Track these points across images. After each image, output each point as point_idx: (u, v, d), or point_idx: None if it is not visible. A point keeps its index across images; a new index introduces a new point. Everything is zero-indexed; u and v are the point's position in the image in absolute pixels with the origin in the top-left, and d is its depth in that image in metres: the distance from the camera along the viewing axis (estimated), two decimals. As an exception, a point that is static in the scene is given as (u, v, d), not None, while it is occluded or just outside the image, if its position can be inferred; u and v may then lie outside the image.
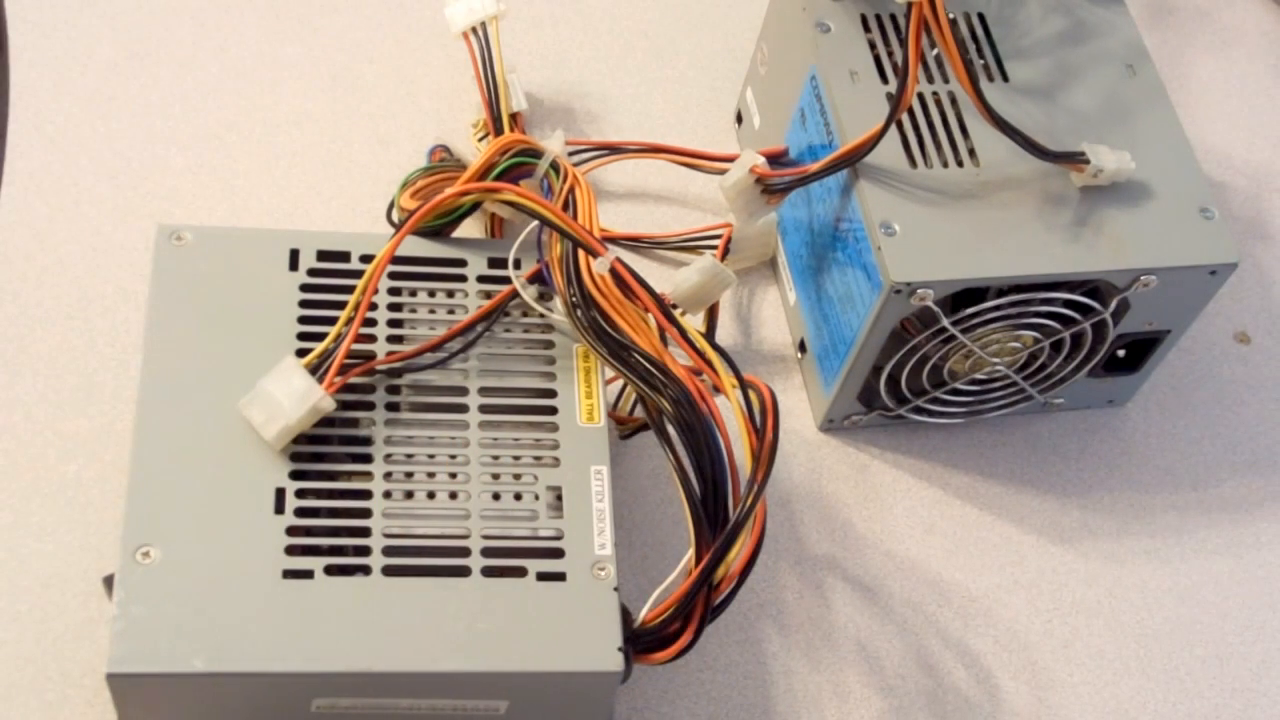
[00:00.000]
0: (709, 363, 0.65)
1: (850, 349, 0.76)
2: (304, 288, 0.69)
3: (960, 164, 0.75)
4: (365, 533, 0.63)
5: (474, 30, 0.84)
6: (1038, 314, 0.75)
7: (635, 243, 0.86)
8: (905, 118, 0.76)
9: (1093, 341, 0.77)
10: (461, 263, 0.71)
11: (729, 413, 0.64)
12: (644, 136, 0.90)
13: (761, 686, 0.73)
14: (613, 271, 0.66)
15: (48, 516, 0.72)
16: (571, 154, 0.86)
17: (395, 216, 0.80)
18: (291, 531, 0.62)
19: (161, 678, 0.59)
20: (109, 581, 0.62)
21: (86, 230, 0.81)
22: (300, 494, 0.63)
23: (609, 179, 0.88)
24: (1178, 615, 0.79)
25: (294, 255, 0.70)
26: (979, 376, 0.78)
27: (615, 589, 0.63)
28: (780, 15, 0.83)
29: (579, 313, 0.67)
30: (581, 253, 0.67)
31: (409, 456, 0.65)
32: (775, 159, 0.80)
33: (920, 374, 0.77)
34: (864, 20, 0.79)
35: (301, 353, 0.65)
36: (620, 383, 0.74)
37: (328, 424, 0.65)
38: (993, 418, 0.82)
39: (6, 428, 0.74)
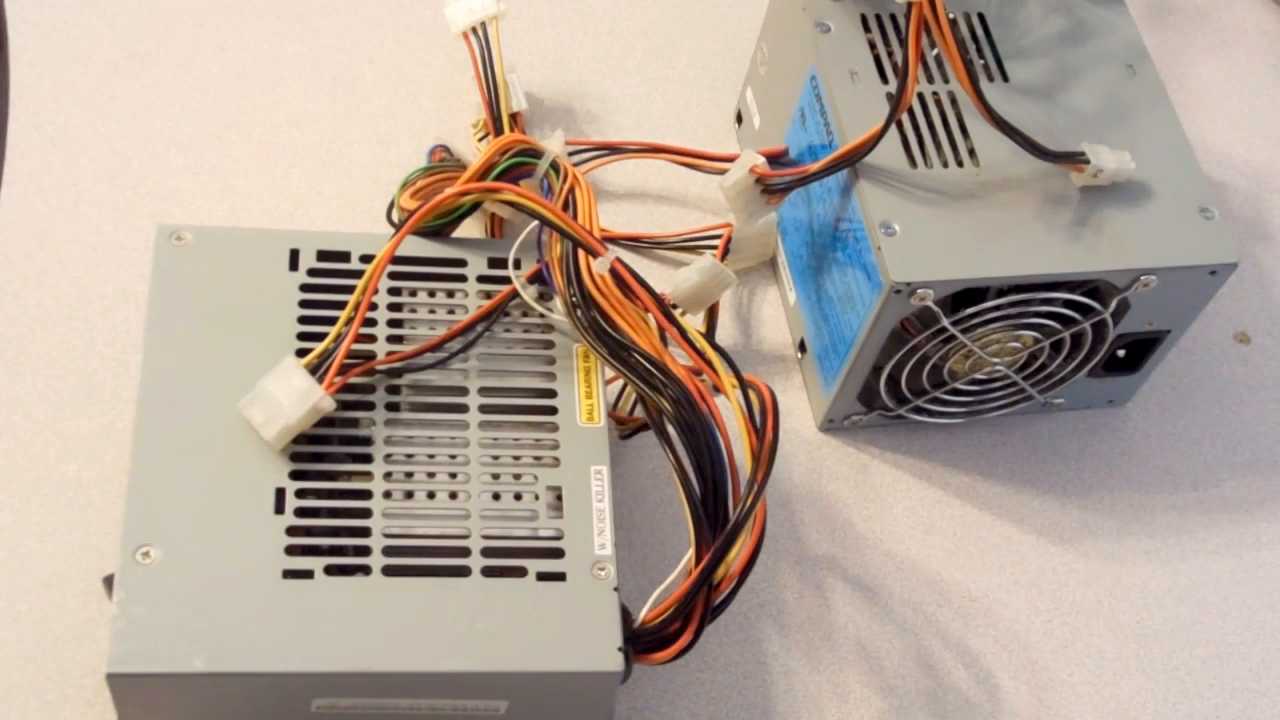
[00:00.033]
0: (709, 363, 0.65)
1: (850, 349, 0.76)
2: (304, 288, 0.69)
3: (960, 164, 0.75)
4: (365, 533, 0.63)
5: (474, 30, 0.84)
6: (1038, 314, 0.75)
7: (635, 243, 0.86)
8: (905, 118, 0.76)
9: (1093, 341, 0.77)
10: (461, 263, 0.71)
11: (729, 413, 0.64)
12: (644, 136, 0.90)
13: (761, 686, 0.73)
14: (613, 271, 0.66)
15: (48, 516, 0.72)
16: (571, 154, 0.86)
17: (395, 216, 0.80)
18: (291, 531, 0.62)
19: (161, 678, 0.59)
20: (109, 581, 0.62)
21: (86, 230, 0.81)
22: (300, 494, 0.63)
23: (609, 179, 0.88)
24: (1178, 615, 0.79)
25: (294, 255, 0.70)
26: (979, 376, 0.78)
27: (615, 589, 0.63)
28: (780, 15, 0.83)
29: (579, 313, 0.67)
30: (581, 253, 0.67)
31: (409, 456, 0.65)
32: (775, 159, 0.80)
33: (920, 374, 0.77)
34: (864, 20, 0.79)
35: (301, 353, 0.65)
36: (620, 383, 0.74)
37: (328, 424, 0.65)
38: (993, 418, 0.82)
39: (6, 428, 0.74)
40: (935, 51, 0.78)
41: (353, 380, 0.66)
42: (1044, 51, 0.80)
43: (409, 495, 0.65)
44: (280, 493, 0.63)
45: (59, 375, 0.76)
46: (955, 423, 0.82)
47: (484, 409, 0.67)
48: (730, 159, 0.79)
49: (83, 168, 0.83)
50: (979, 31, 0.81)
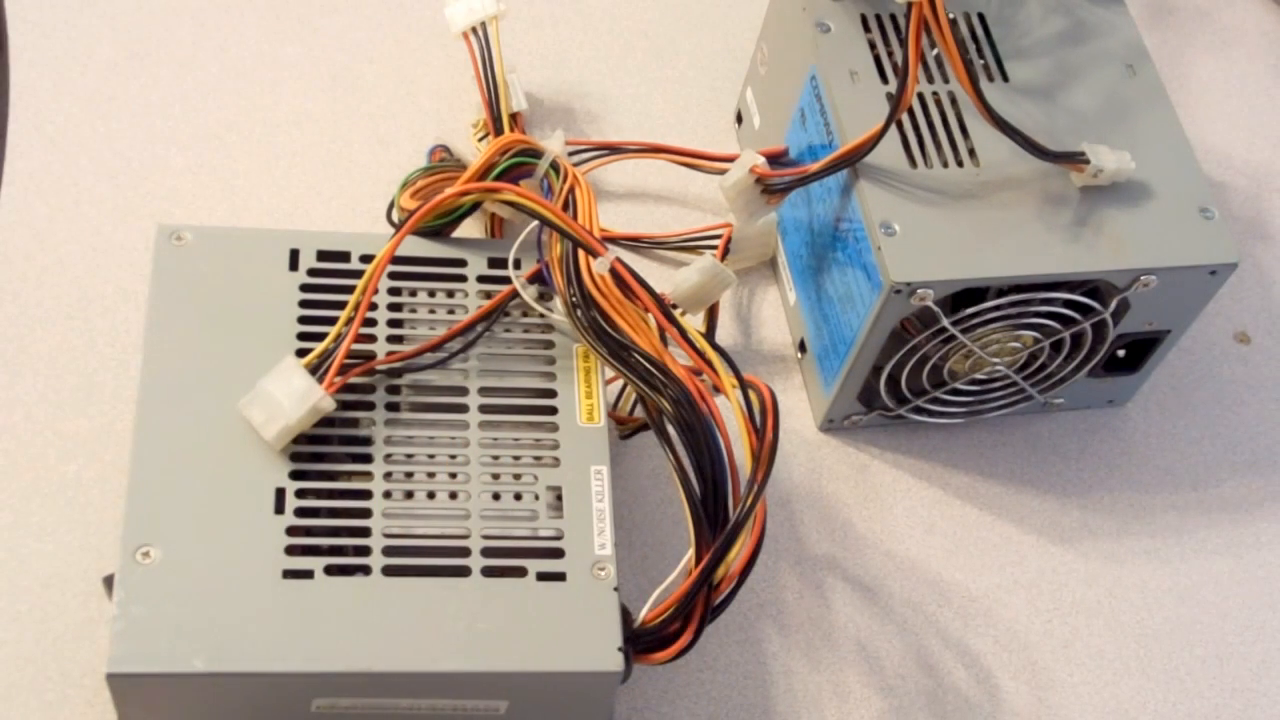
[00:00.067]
0: (709, 363, 0.65)
1: (850, 349, 0.76)
2: (304, 288, 0.69)
3: (960, 164, 0.75)
4: (365, 533, 0.63)
5: (474, 30, 0.84)
6: (1038, 314, 0.75)
7: (635, 243, 0.86)
8: (905, 118, 0.76)
9: (1093, 341, 0.77)
10: (461, 263, 0.71)
11: (729, 413, 0.64)
12: (644, 136, 0.90)
13: (761, 686, 0.73)
14: (613, 271, 0.66)
15: (48, 516, 0.72)
16: (571, 154, 0.86)
17: (395, 216, 0.80)
18: (291, 531, 0.62)
19: (161, 678, 0.59)
20: (109, 581, 0.62)
21: (86, 230, 0.81)
22: (300, 494, 0.63)
23: (609, 179, 0.88)
24: (1178, 615, 0.79)
25: (294, 255, 0.70)
26: (979, 376, 0.78)
27: (615, 589, 0.63)
28: (780, 15, 0.83)
29: (579, 313, 0.67)
30: (581, 253, 0.67)
31: (409, 456, 0.65)
32: (775, 159, 0.80)
33: (920, 374, 0.77)
34: (864, 20, 0.79)
35: (301, 353, 0.65)
36: (620, 383, 0.74)
37: (328, 424, 0.65)
38: (993, 418, 0.82)
39: (6, 428, 0.74)
40: (935, 51, 0.78)
41: (353, 380, 0.66)
42: (1044, 51, 0.80)
43: (409, 495, 0.65)
44: (280, 493, 0.63)
45: (59, 375, 0.76)
46: (955, 423, 0.82)
47: (484, 409, 0.67)
48: (730, 159, 0.79)
49: (83, 168, 0.83)
50: (979, 31, 0.81)
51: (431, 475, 0.65)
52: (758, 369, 0.83)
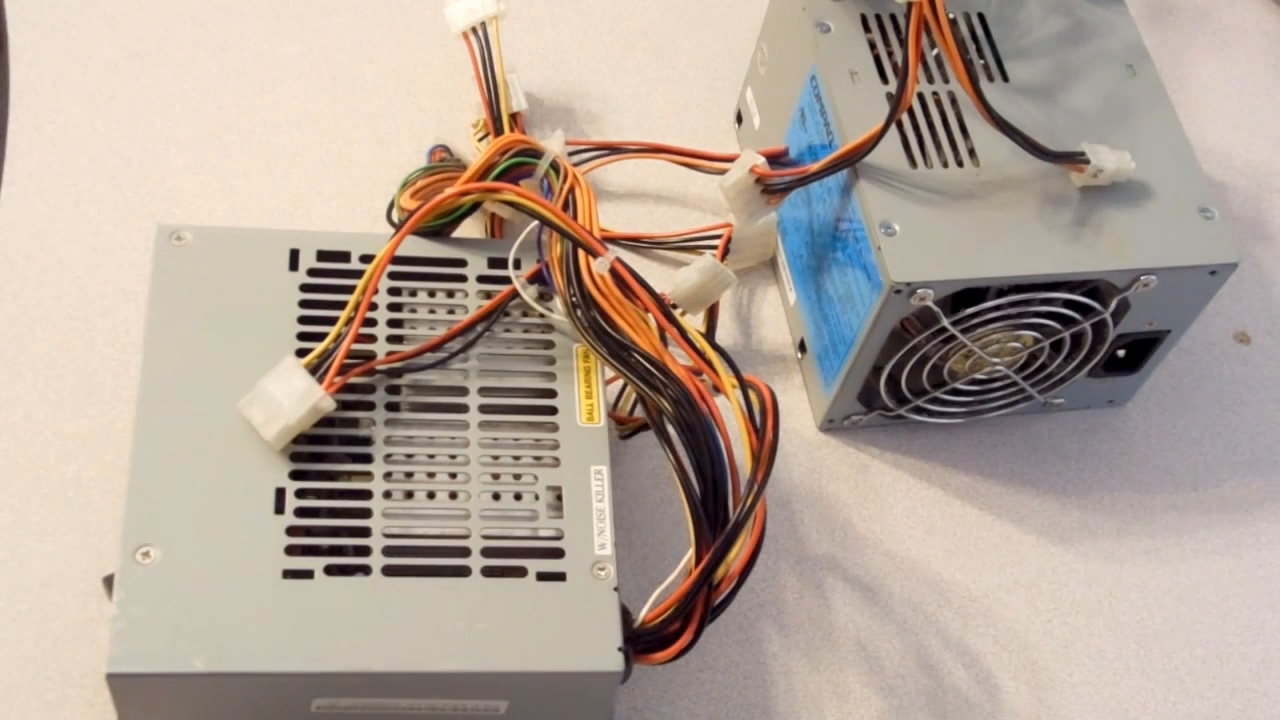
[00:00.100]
0: (709, 363, 0.65)
1: (850, 349, 0.76)
2: (304, 288, 0.69)
3: (960, 164, 0.75)
4: (365, 533, 0.63)
5: (474, 30, 0.84)
6: (1038, 314, 0.75)
7: (635, 243, 0.86)
8: (905, 118, 0.76)
9: (1093, 341, 0.77)
10: (461, 263, 0.71)
11: (729, 413, 0.64)
12: (644, 136, 0.90)
13: (761, 686, 0.73)
14: (613, 271, 0.66)
15: (48, 516, 0.72)
16: (571, 154, 0.86)
17: (395, 216, 0.80)
18: (291, 531, 0.62)
19: (161, 678, 0.58)
20: (109, 581, 0.62)
21: (86, 230, 0.81)
22: (300, 494, 0.63)
23: (609, 179, 0.88)
24: (1178, 615, 0.79)
25: (294, 255, 0.69)
26: (979, 376, 0.78)
27: (615, 589, 0.63)
28: (780, 15, 0.83)
29: (579, 313, 0.67)
30: (581, 253, 0.67)
31: (409, 456, 0.65)
32: (775, 159, 0.80)
33: (920, 374, 0.77)
34: (864, 20, 0.79)
35: (301, 353, 0.65)
36: (620, 383, 0.74)
37: (328, 424, 0.65)
38: (993, 418, 0.82)
39: (6, 428, 0.74)
40: (935, 51, 0.78)
41: (353, 380, 0.66)
42: (1044, 51, 0.80)
43: (409, 495, 0.65)
44: (280, 493, 0.63)
45: (59, 375, 0.76)
46: (955, 423, 0.82)
47: (484, 409, 0.67)
48: (730, 159, 0.79)
49: (83, 168, 0.83)
50: (979, 31, 0.81)
51: (431, 475, 0.65)
52: (758, 369, 0.83)
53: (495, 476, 0.66)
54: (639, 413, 0.74)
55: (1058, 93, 0.79)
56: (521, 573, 0.63)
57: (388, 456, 0.65)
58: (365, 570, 0.62)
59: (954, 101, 0.77)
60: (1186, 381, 0.88)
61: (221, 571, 0.61)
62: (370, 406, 0.66)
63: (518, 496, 0.65)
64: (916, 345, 0.75)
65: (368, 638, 0.60)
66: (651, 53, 0.95)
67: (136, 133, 0.85)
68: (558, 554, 0.64)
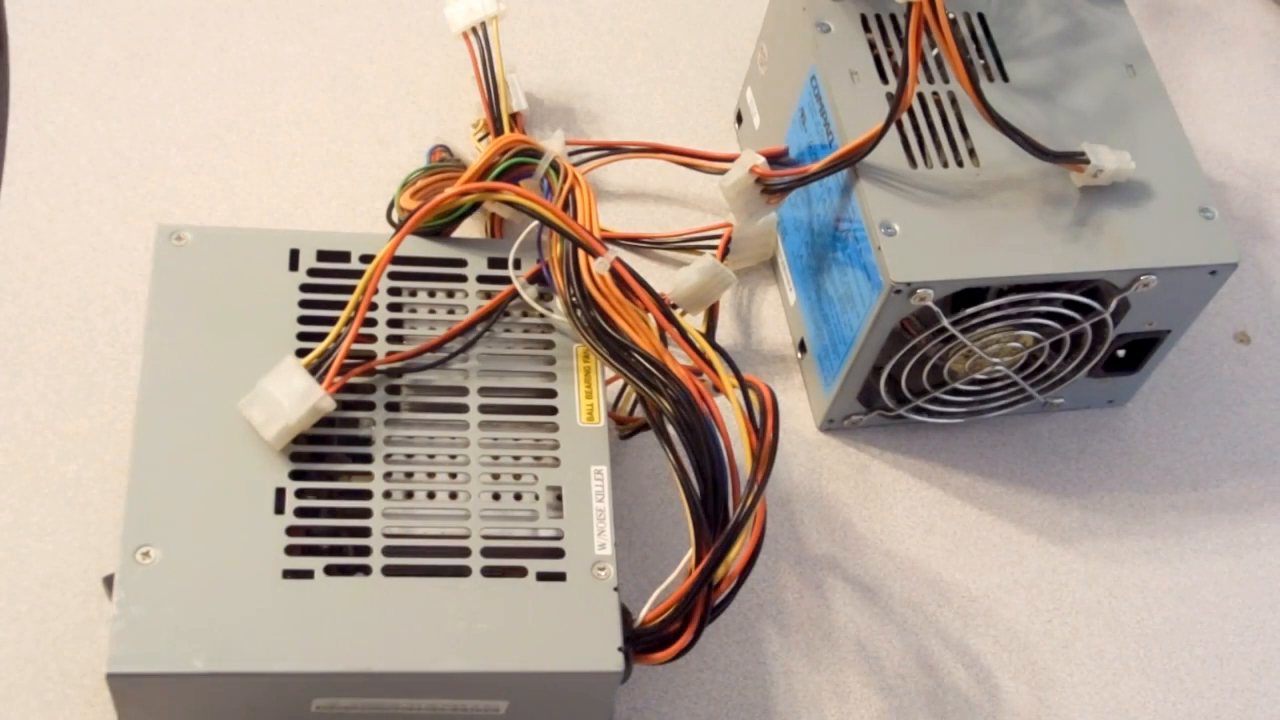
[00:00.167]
0: (709, 363, 0.65)
1: (850, 349, 0.76)
2: (304, 288, 0.69)
3: (960, 164, 0.75)
4: (365, 533, 0.63)
5: (474, 30, 0.84)
6: (1038, 314, 0.75)
7: (635, 243, 0.86)
8: (905, 118, 0.76)
9: (1093, 341, 0.77)
10: (461, 263, 0.71)
11: (729, 413, 0.64)
12: (644, 136, 0.90)
13: (761, 686, 0.73)
14: (613, 271, 0.66)
15: (48, 516, 0.72)
16: (571, 154, 0.86)
17: (395, 216, 0.80)
18: (291, 531, 0.62)
19: (161, 678, 0.59)
20: (109, 581, 0.62)
21: (86, 230, 0.81)
22: (300, 494, 0.63)
23: (609, 179, 0.88)
24: (1178, 615, 0.79)
25: (294, 255, 0.70)
26: (979, 376, 0.78)
27: (615, 589, 0.63)
28: (780, 15, 0.83)
29: (579, 313, 0.67)
30: (581, 253, 0.67)
31: (409, 456, 0.65)
32: (775, 159, 0.80)
33: (920, 374, 0.77)
34: (864, 20, 0.79)
35: (301, 353, 0.65)
36: (620, 383, 0.74)
37: (328, 424, 0.65)
38: (993, 418, 0.82)
39: (6, 428, 0.74)
40: (935, 51, 0.78)
41: (353, 380, 0.66)
42: (1044, 51, 0.80)
43: (409, 495, 0.65)
44: (280, 493, 0.63)
45: (59, 375, 0.76)
46: (955, 423, 0.82)
47: (484, 409, 0.67)
48: (730, 159, 0.79)
49: (83, 168, 0.83)
50: (979, 31, 0.81)
51: (431, 475, 0.65)
52: (758, 369, 0.83)
53: (495, 476, 0.66)
54: (639, 413, 0.74)
55: (1058, 93, 0.79)
56: (521, 573, 0.63)
57: (388, 456, 0.65)
58: (365, 570, 0.62)
59: (954, 101, 0.77)
60: (1186, 381, 0.88)
61: (221, 571, 0.61)
62: (370, 406, 0.66)
63: (518, 496, 0.65)
64: (916, 345, 0.75)
65: (368, 638, 0.60)
66: (651, 53, 0.95)
67: (136, 133, 0.85)
68: (558, 554, 0.64)
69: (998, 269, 0.72)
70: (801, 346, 0.83)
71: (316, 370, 0.64)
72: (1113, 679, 0.76)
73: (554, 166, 0.70)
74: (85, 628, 0.69)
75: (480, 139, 0.86)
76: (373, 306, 0.68)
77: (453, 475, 0.65)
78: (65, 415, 0.74)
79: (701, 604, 0.62)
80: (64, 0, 0.90)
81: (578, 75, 0.93)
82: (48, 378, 0.76)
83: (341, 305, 0.66)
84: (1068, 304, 0.75)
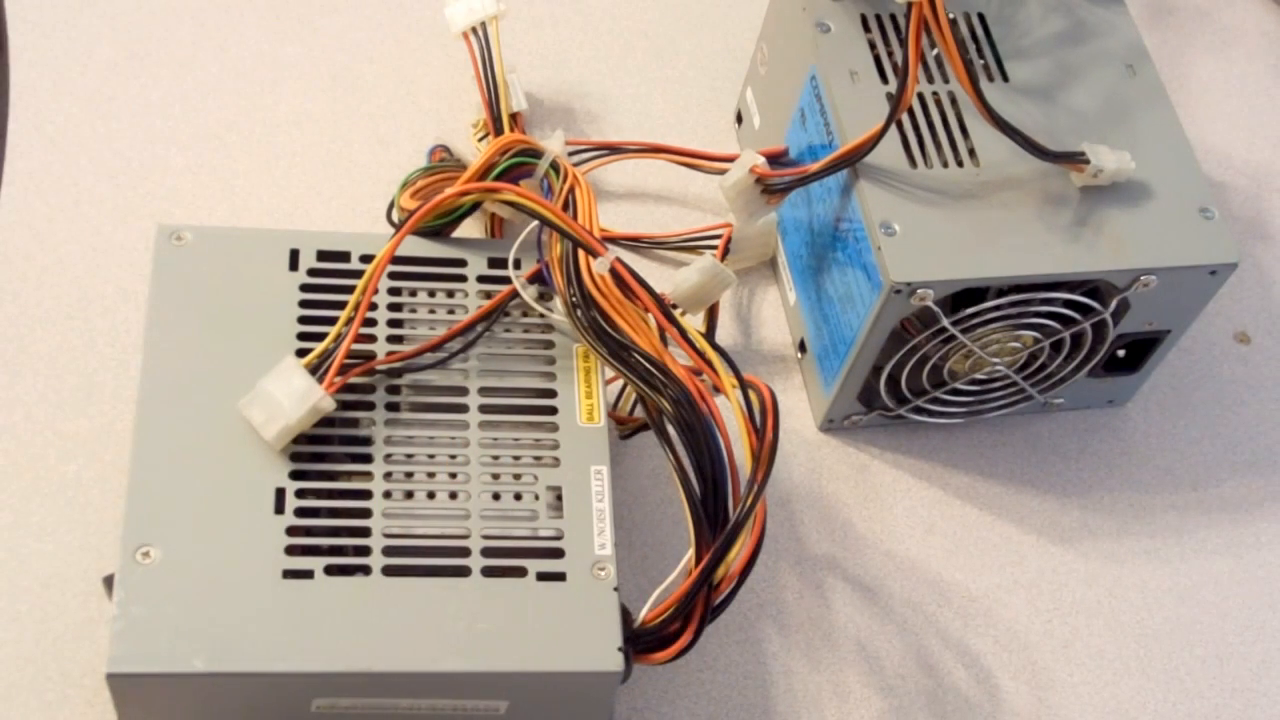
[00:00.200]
0: (709, 363, 0.65)
1: (850, 349, 0.76)
2: (304, 288, 0.69)
3: (960, 164, 0.75)
4: (365, 533, 0.63)
5: (474, 30, 0.84)
6: (1038, 314, 0.75)
7: (635, 243, 0.86)
8: (905, 118, 0.76)
9: (1093, 341, 0.77)
10: (461, 263, 0.71)
11: (729, 413, 0.64)
12: (644, 136, 0.90)
13: (761, 686, 0.73)
14: (613, 271, 0.66)
15: (48, 516, 0.72)
16: (571, 154, 0.86)
17: (395, 216, 0.80)
18: (291, 531, 0.62)
19: (161, 678, 0.59)
20: (109, 581, 0.62)
21: (86, 230, 0.81)
22: (300, 494, 0.63)
23: (609, 179, 0.88)
24: (1178, 615, 0.79)
25: (294, 255, 0.70)
26: (979, 376, 0.78)
27: (615, 589, 0.63)
28: (780, 15, 0.83)
29: (579, 313, 0.67)
30: (581, 253, 0.67)
31: (409, 456, 0.65)
32: (775, 159, 0.80)
33: (920, 374, 0.77)
34: (864, 20, 0.79)
35: (301, 353, 0.65)
36: (620, 383, 0.74)
37: (328, 424, 0.65)
38: (993, 418, 0.82)
39: (6, 428, 0.74)
40: (935, 51, 0.78)
41: (353, 380, 0.66)
42: (1044, 51, 0.80)
43: (409, 495, 0.65)
44: (280, 493, 0.63)
45: (59, 375, 0.76)
46: (955, 423, 0.82)
47: (484, 409, 0.67)
48: (730, 159, 0.79)
49: (83, 168, 0.83)
50: (979, 31, 0.81)
51: (431, 475, 0.65)
52: (758, 369, 0.83)
53: (495, 476, 0.66)
54: (639, 413, 0.74)
55: (1058, 93, 0.79)
56: (521, 573, 0.63)
57: (388, 456, 0.65)
58: (365, 570, 0.62)
59: (954, 101, 0.77)
60: (1186, 381, 0.88)
61: (221, 571, 0.61)
62: (370, 406, 0.66)
63: (518, 496, 0.65)
64: (916, 345, 0.75)
65: (368, 638, 0.60)
66: (651, 53, 0.95)
67: (136, 133, 0.85)
68: (558, 554, 0.64)
69: (998, 269, 0.72)
70: (801, 346, 0.83)
71: (316, 370, 0.64)
72: (1113, 679, 0.76)
73: (554, 166, 0.70)
74: (85, 628, 0.69)
75: (480, 139, 0.86)
76: (373, 306, 0.68)
77: (453, 475, 0.65)
78: (65, 415, 0.74)
79: (701, 604, 0.62)
80: (64, 0, 0.90)
81: (578, 75, 0.93)
82: (48, 378, 0.76)
83: (341, 305, 0.66)
84: (1068, 304, 0.75)
